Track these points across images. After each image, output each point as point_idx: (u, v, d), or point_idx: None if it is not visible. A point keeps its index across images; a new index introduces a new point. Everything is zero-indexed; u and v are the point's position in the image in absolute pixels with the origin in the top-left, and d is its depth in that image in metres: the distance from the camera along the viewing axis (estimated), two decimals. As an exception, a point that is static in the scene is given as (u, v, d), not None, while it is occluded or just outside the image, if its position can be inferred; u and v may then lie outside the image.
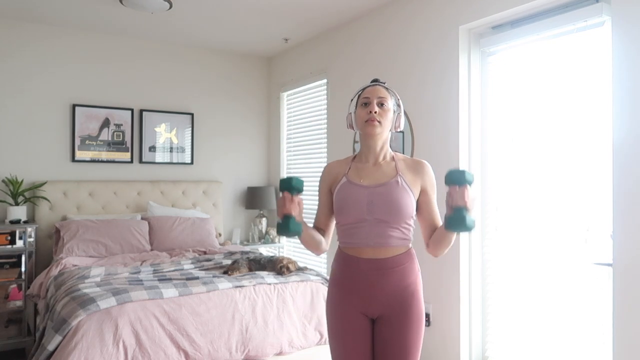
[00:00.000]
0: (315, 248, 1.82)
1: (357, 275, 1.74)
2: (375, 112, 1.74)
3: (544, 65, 2.75)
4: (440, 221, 1.77)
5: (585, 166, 2.57)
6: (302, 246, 4.70)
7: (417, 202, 1.78)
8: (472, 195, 1.56)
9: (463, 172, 1.57)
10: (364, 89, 1.82)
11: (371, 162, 1.80)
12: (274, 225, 5.13)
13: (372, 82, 1.85)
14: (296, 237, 1.71)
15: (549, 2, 2.64)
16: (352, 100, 1.89)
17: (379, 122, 1.74)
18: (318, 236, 1.82)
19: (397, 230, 1.72)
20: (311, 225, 1.85)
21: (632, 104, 2.19)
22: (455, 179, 1.56)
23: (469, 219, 1.54)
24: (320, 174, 1.96)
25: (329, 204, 1.85)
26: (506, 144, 2.97)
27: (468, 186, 1.56)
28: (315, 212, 1.91)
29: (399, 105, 1.83)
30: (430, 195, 1.79)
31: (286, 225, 1.65)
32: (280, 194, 1.68)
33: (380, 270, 1.72)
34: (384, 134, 1.79)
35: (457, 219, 1.55)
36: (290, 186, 1.65)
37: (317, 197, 1.89)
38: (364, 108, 1.77)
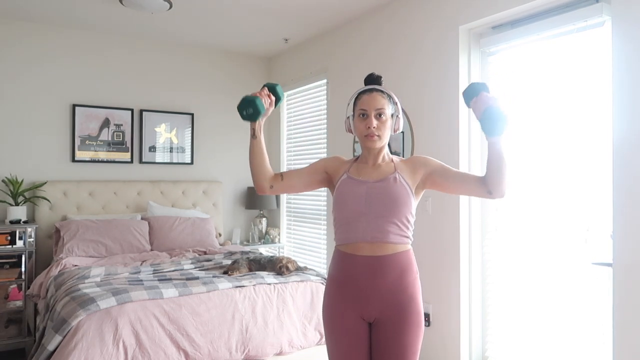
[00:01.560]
0: (259, 162, 1.78)
1: (354, 274, 1.73)
2: (374, 127, 1.74)
3: (544, 65, 2.75)
4: (467, 172, 1.83)
5: (585, 166, 2.57)
6: (302, 246, 4.74)
7: (436, 181, 1.77)
8: (493, 96, 1.63)
9: (472, 85, 1.67)
10: (359, 95, 1.80)
11: (370, 164, 1.82)
12: (274, 225, 5.14)
13: (367, 83, 1.83)
14: (252, 119, 1.73)
15: (549, 2, 2.64)
16: (348, 104, 1.88)
17: (378, 136, 1.75)
18: (266, 157, 1.80)
19: (394, 225, 1.72)
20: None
21: (632, 104, 2.19)
22: (471, 94, 1.67)
23: (498, 111, 1.60)
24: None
25: (310, 175, 1.86)
26: (506, 143, 2.96)
27: (484, 92, 1.63)
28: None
29: (396, 104, 1.82)
30: (438, 168, 1.79)
31: (252, 101, 1.69)
32: (263, 90, 1.75)
33: (376, 269, 1.71)
34: (384, 141, 1.80)
35: (489, 116, 1.60)
36: (275, 90, 1.78)
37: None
38: (361, 120, 1.77)
